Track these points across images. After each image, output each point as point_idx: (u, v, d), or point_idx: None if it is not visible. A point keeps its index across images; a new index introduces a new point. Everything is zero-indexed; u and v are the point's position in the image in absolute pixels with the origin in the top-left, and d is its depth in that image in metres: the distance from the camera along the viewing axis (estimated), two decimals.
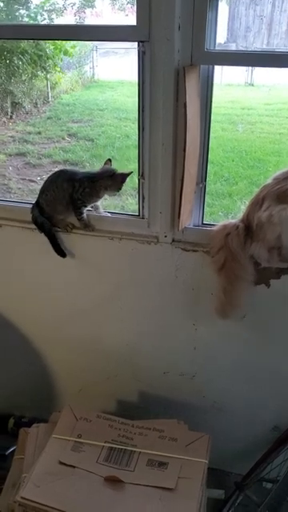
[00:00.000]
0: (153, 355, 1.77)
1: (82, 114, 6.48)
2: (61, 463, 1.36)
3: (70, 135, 5.93)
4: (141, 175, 1.53)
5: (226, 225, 1.47)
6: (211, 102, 1.40)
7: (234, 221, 1.46)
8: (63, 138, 5.81)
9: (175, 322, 1.69)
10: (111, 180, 1.51)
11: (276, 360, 1.64)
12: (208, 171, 1.53)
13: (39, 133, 6.00)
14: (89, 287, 1.72)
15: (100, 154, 5.21)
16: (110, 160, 1.58)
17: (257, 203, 1.41)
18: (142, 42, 1.33)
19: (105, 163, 1.57)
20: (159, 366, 1.79)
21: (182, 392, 1.80)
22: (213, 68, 1.35)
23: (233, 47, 6.73)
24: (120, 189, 1.53)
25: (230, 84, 6.03)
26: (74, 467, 1.36)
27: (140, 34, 1.31)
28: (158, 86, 1.35)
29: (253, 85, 6.08)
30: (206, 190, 1.56)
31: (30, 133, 6.01)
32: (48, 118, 6.54)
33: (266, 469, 1.57)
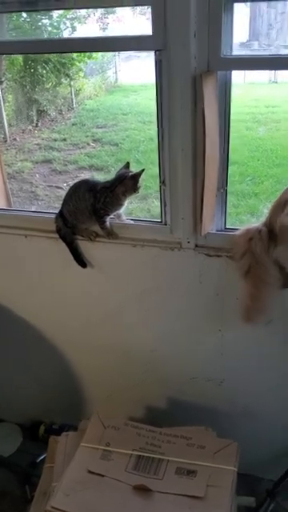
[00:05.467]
0: (179, 361, 1.77)
1: (106, 119, 6.54)
2: (90, 472, 1.37)
3: (94, 141, 5.99)
4: (162, 182, 1.53)
5: (248, 229, 1.45)
6: (230, 106, 1.39)
7: (256, 225, 1.44)
8: (88, 144, 5.88)
9: (201, 327, 1.68)
10: (124, 185, 1.51)
11: None
12: (228, 176, 1.52)
13: (64, 139, 6.08)
14: (113, 294, 1.73)
15: (125, 159, 5.24)
16: (128, 163, 1.58)
17: (279, 206, 1.38)
18: (158, 50, 1.33)
19: (123, 167, 1.58)
20: (186, 372, 1.78)
21: (211, 398, 1.78)
22: (230, 72, 1.34)
23: (255, 45, 6.66)
24: (137, 190, 1.52)
25: (253, 83, 5.96)
26: (102, 476, 1.37)
27: (156, 43, 1.31)
28: (175, 93, 1.35)
29: (277, 82, 5.99)
30: (228, 194, 1.55)
31: (55, 140, 6.10)
32: (73, 125, 6.63)
33: None
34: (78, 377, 1.97)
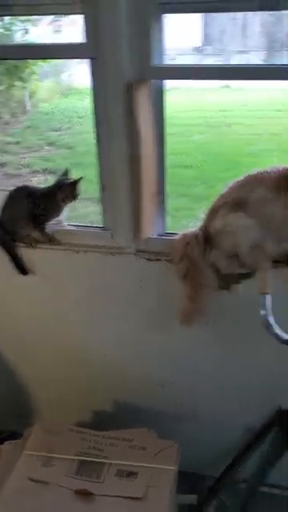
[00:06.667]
0: (126, 365, 1.79)
1: (61, 122, 6.46)
2: (31, 479, 1.37)
3: (49, 144, 5.91)
4: (102, 187, 1.55)
5: (186, 234, 1.49)
6: (164, 113, 1.42)
7: (193, 230, 1.49)
8: (42, 147, 5.81)
9: (145, 331, 1.70)
10: (63, 192, 1.52)
11: (244, 362, 1.66)
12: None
13: (18, 143, 5.97)
14: (57, 301, 1.73)
15: (80, 162, 5.21)
16: (67, 170, 1.58)
17: (214, 212, 1.43)
18: (92, 58, 1.35)
19: (62, 173, 1.59)
20: (133, 375, 1.79)
21: (157, 399, 1.81)
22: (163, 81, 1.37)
23: (209, 50, 6.78)
24: (76, 197, 1.54)
25: (205, 87, 6.06)
26: (44, 483, 1.36)
27: (89, 51, 1.33)
28: (110, 101, 1.37)
29: (229, 87, 6.11)
30: (166, 199, 1.59)
31: (8, 143, 6.00)
32: (27, 128, 6.52)
33: (240, 470, 1.58)
34: (24, 384, 1.96)
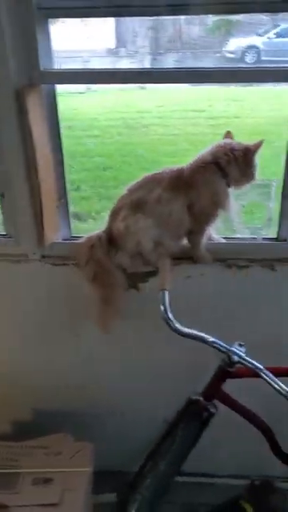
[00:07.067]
0: (40, 372, 1.76)
1: None
2: None
3: None
4: (1, 194, 1.52)
5: (90, 237, 1.51)
6: (58, 117, 1.43)
7: (97, 232, 1.51)
8: None
9: (57, 336, 1.69)
10: None
11: (156, 357, 1.70)
12: (67, 186, 1.56)
13: None
14: None
15: None
16: None
17: (115, 214, 1.46)
18: None
19: None
20: (49, 382, 1.77)
21: (76, 403, 1.79)
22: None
23: (122, 52, 6.84)
24: None
25: (123, 89, 6.10)
26: None
27: None
28: (0, 106, 1.35)
29: (145, 88, 6.20)
30: (69, 204, 1.59)
31: None
32: None
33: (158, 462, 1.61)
34: None
